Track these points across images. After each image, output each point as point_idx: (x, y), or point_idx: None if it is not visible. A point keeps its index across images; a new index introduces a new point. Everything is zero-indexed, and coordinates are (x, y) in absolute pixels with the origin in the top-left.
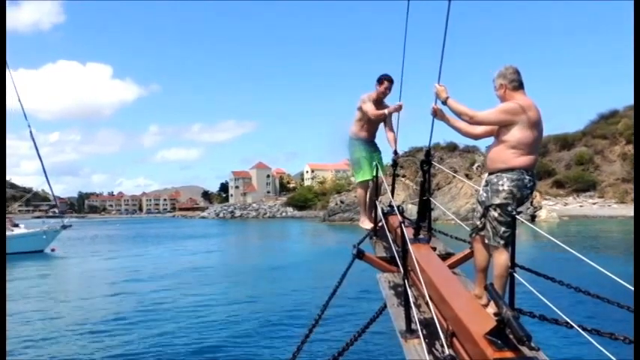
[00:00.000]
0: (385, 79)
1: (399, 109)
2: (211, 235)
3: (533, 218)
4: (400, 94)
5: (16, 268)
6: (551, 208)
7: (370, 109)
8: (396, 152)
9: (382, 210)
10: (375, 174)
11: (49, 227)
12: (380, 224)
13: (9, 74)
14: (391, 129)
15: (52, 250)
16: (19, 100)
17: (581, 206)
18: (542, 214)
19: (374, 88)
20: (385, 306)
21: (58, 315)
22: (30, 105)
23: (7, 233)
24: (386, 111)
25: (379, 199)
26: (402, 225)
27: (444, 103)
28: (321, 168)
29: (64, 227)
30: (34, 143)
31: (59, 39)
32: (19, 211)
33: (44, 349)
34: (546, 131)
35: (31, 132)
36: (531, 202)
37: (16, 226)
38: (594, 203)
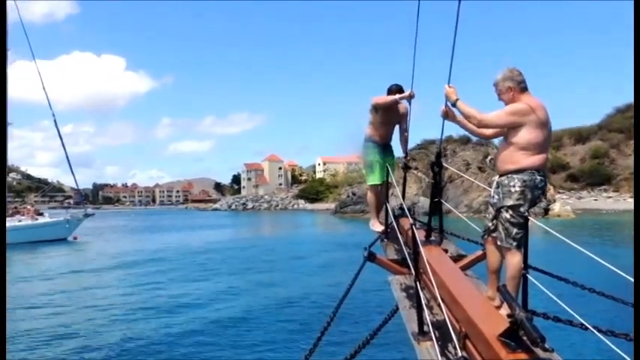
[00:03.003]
0: (396, 91)
1: (409, 96)
2: (225, 226)
3: (546, 212)
4: (412, 86)
5: (41, 256)
6: (565, 201)
7: (382, 99)
8: (406, 155)
9: (393, 212)
10: (386, 179)
11: (72, 216)
12: (390, 226)
13: (34, 65)
14: (406, 131)
15: (75, 238)
16: (44, 89)
17: (595, 200)
18: (555, 208)
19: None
20: (397, 308)
21: (80, 301)
22: (44, 96)
23: (31, 222)
24: (397, 96)
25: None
26: (413, 227)
27: (454, 105)
28: (333, 161)
29: (87, 216)
30: (59, 133)
31: (73, 30)
32: (35, 201)
33: (65, 333)
34: (561, 125)
35: (55, 122)
36: (545, 196)
37: (41, 214)
38: (609, 197)
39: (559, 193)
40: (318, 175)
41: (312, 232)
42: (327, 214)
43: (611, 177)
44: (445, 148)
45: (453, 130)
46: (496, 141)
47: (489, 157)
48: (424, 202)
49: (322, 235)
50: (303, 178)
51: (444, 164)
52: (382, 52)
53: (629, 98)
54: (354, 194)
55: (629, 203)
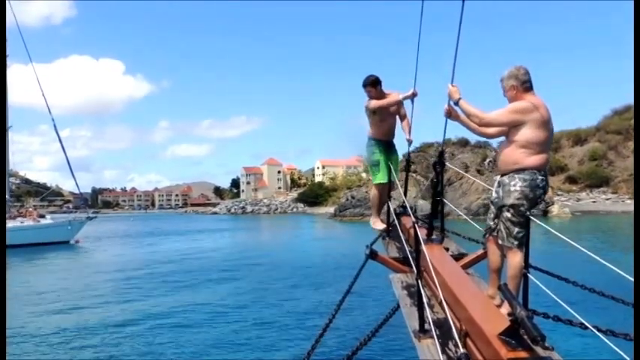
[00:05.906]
0: (375, 82)
1: (412, 96)
2: (225, 231)
3: (545, 213)
4: (415, 84)
5: (43, 259)
6: (564, 203)
7: (379, 103)
8: (410, 142)
9: (395, 210)
10: (388, 177)
11: (74, 219)
12: (392, 225)
13: (31, 69)
14: (405, 117)
15: (77, 241)
16: (43, 94)
17: (594, 202)
18: (554, 210)
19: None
20: (398, 306)
21: (82, 304)
22: (42, 101)
23: (33, 224)
24: (400, 97)
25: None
26: (415, 225)
27: (456, 104)
28: (331, 164)
29: (89, 218)
30: (59, 138)
31: (71, 34)
32: (34, 206)
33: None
34: (559, 126)
35: (55, 127)
36: (546, 195)
37: (42, 217)
38: (607, 199)
39: (557, 195)
40: (317, 179)
41: (311, 235)
42: (326, 217)
43: (610, 178)
44: (444, 151)
45: (452, 133)
46: (494, 143)
47: (487, 160)
48: (423, 205)
49: (322, 239)
50: (302, 181)
51: (447, 164)
52: (384, 51)
53: (627, 100)
54: (353, 197)
55: (627, 205)
